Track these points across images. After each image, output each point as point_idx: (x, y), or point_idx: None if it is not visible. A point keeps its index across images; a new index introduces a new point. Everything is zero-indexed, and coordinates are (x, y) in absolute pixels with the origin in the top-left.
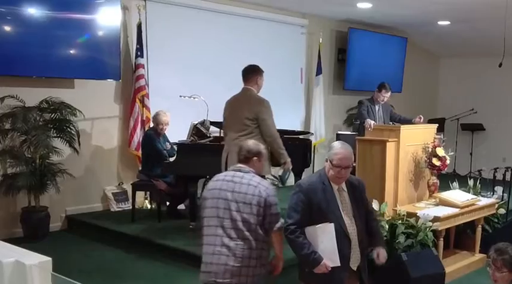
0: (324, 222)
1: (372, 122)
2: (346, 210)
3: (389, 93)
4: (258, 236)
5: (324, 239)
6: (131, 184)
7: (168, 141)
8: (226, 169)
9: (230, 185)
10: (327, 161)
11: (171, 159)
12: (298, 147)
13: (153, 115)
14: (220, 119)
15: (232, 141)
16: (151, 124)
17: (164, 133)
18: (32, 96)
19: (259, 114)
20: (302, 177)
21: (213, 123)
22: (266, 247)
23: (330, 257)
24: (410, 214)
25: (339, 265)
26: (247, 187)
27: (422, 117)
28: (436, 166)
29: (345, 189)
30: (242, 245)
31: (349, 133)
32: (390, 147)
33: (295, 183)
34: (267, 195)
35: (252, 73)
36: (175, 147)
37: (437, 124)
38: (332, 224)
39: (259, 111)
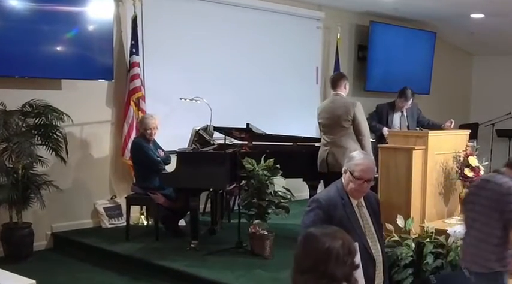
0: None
1: (386, 130)
2: (368, 227)
3: (409, 102)
4: None
5: None
6: (125, 197)
7: (161, 148)
8: (323, 168)
9: None
10: (345, 172)
11: (167, 168)
12: (313, 155)
13: (139, 120)
14: (225, 124)
15: (331, 142)
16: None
17: (154, 140)
18: (14, 98)
19: (356, 115)
20: (318, 190)
21: (217, 129)
22: None
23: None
24: (440, 232)
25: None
26: None
27: (453, 121)
28: (469, 177)
29: (364, 205)
30: None
31: (371, 140)
32: (417, 155)
33: (310, 196)
34: None
35: (340, 80)
36: (170, 155)
37: (469, 130)
38: (357, 244)
39: (355, 112)
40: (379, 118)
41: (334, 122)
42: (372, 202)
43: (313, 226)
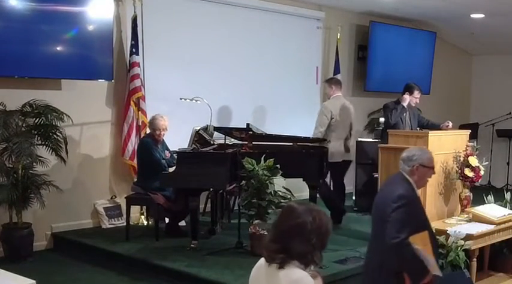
0: (422, 230)
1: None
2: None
3: (420, 95)
4: None
5: (422, 250)
6: (125, 197)
7: (168, 149)
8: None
9: None
10: (413, 167)
11: (171, 170)
12: (313, 156)
13: (149, 120)
14: (225, 124)
15: (346, 137)
16: (148, 131)
17: (163, 140)
18: (14, 98)
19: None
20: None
21: (217, 129)
22: None
23: (433, 267)
24: (440, 232)
25: (441, 274)
26: None
27: (450, 123)
28: (469, 177)
29: None
30: None
31: (371, 140)
32: None
33: (310, 196)
34: None
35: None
36: (175, 155)
37: (469, 131)
38: (426, 232)
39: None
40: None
41: (350, 120)
42: None
43: (406, 219)
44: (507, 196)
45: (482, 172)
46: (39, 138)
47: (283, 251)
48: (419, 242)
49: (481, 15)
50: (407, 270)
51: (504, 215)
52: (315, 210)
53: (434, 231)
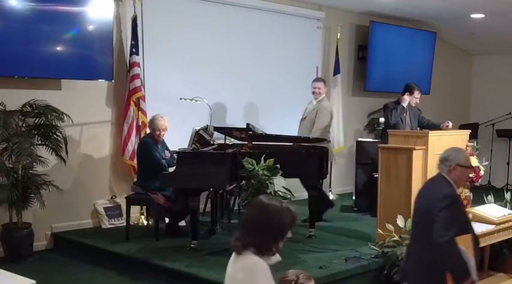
0: (466, 231)
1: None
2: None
3: (420, 95)
4: None
5: (466, 252)
6: (125, 197)
7: (168, 149)
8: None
9: None
10: (450, 167)
11: (171, 169)
12: (313, 156)
13: (149, 120)
14: (225, 124)
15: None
16: (148, 131)
17: (163, 140)
18: (14, 98)
19: None
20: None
21: (217, 129)
22: None
23: (473, 271)
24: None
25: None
26: None
27: (450, 123)
28: (469, 177)
29: None
30: None
31: (371, 140)
32: (417, 155)
33: (309, 197)
34: None
35: None
36: (175, 155)
37: (470, 130)
38: (469, 235)
39: None
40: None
41: None
42: None
43: (453, 218)
44: (507, 196)
45: (482, 172)
46: (39, 138)
47: (241, 240)
48: (463, 245)
49: (481, 15)
50: (452, 270)
51: (504, 215)
52: (272, 204)
53: (476, 235)
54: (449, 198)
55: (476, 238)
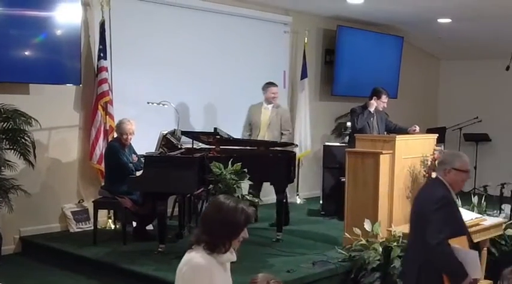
0: (461, 233)
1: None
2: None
3: (387, 99)
4: None
5: (463, 251)
6: (93, 201)
7: (135, 153)
8: None
9: None
10: (446, 170)
11: (138, 173)
12: (281, 160)
13: (116, 124)
14: (193, 128)
15: None
16: (115, 135)
17: (130, 144)
18: None
19: None
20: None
21: (184, 133)
22: None
23: (471, 271)
24: (407, 236)
25: (480, 276)
26: None
27: (417, 127)
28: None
29: None
30: None
31: (338, 144)
32: (384, 159)
33: (277, 201)
34: None
35: None
36: (142, 159)
37: (437, 134)
38: (465, 237)
39: None
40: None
41: None
42: None
43: (447, 220)
44: (474, 200)
45: None
46: (7, 142)
47: (195, 237)
48: (460, 246)
49: (448, 20)
50: (447, 271)
51: (472, 219)
52: (227, 202)
53: (471, 237)
54: (442, 199)
55: (472, 241)
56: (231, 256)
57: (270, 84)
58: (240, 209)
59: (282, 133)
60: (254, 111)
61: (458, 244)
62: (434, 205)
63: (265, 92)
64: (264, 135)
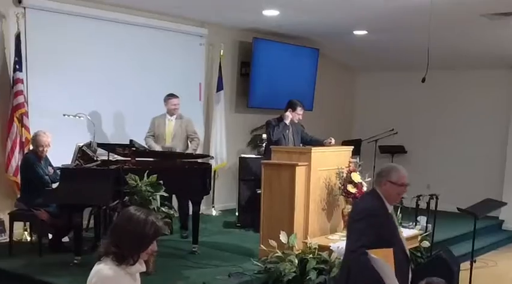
0: (388, 245)
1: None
2: (400, 231)
3: (303, 111)
4: None
5: (384, 264)
6: (8, 213)
7: (51, 165)
8: None
9: None
10: (381, 183)
11: (54, 186)
12: (196, 172)
13: (32, 136)
14: (109, 140)
15: None
16: (31, 147)
17: (46, 157)
18: None
19: None
20: (200, 207)
21: (100, 145)
22: None
23: (390, 282)
24: (323, 248)
25: None
26: None
27: (333, 140)
28: (352, 193)
29: (393, 211)
30: None
31: (254, 156)
32: (300, 171)
33: (193, 213)
34: None
35: None
36: (58, 171)
37: (352, 147)
38: (391, 250)
39: None
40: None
41: None
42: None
43: (365, 230)
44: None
45: (365, 188)
46: None
47: (104, 248)
48: (382, 258)
49: (364, 32)
50: (363, 280)
51: None
52: (137, 214)
53: (407, 252)
54: (365, 211)
55: (405, 255)
56: (140, 266)
57: (171, 95)
58: (150, 222)
59: (190, 141)
60: (158, 123)
61: (382, 255)
62: (357, 215)
63: (166, 104)
64: (169, 146)
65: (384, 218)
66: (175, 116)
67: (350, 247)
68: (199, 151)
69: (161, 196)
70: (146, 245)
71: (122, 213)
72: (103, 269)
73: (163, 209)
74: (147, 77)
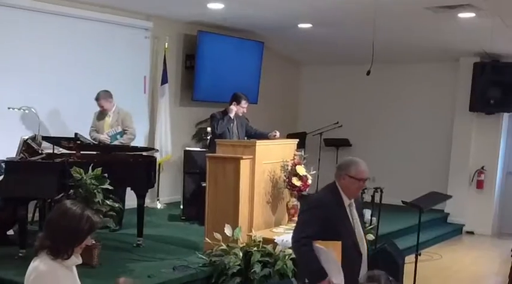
0: (336, 238)
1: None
2: (357, 225)
3: (247, 104)
4: None
5: (330, 256)
6: None
7: None
8: None
9: None
10: (341, 176)
11: None
12: (141, 165)
13: None
14: (55, 133)
15: None
16: None
17: None
18: None
19: None
20: (145, 200)
21: (45, 138)
22: None
23: (334, 275)
24: (267, 241)
25: (342, 283)
26: None
27: (278, 133)
28: (297, 186)
29: (354, 205)
30: None
31: (199, 149)
32: (244, 165)
33: (138, 206)
34: None
35: None
36: (3, 165)
37: (297, 140)
38: (339, 243)
39: None
40: (222, 123)
41: None
42: (357, 203)
43: (310, 221)
44: None
45: (310, 181)
46: None
47: (39, 242)
48: (328, 250)
49: (309, 25)
50: (304, 270)
51: None
52: (72, 208)
53: (361, 246)
54: (313, 202)
55: (357, 250)
56: (76, 259)
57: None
58: (85, 217)
59: (125, 132)
60: (98, 117)
61: (331, 247)
62: (305, 206)
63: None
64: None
65: (334, 211)
66: (113, 111)
67: (293, 237)
68: (144, 145)
69: (107, 189)
70: (81, 240)
71: (57, 207)
72: (39, 265)
73: (107, 202)
74: (92, 71)
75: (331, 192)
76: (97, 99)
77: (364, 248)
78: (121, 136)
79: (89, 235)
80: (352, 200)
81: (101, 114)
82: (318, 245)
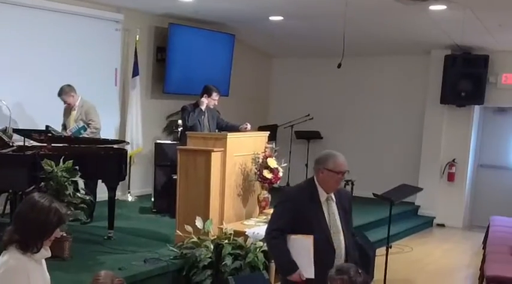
0: (308, 232)
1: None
2: (333, 220)
3: (218, 96)
4: None
5: (302, 249)
6: None
7: None
8: None
9: None
10: (319, 170)
11: None
12: (112, 157)
13: None
14: (26, 126)
15: None
16: None
17: None
18: None
19: None
20: (116, 192)
21: (16, 131)
22: None
23: (305, 268)
24: (238, 233)
25: (313, 277)
26: None
27: (249, 125)
28: (268, 179)
29: (334, 199)
30: None
31: (170, 142)
32: (215, 157)
33: (109, 198)
34: None
35: None
36: None
37: (268, 132)
38: (311, 237)
39: None
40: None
41: None
42: (343, 198)
43: (281, 214)
44: None
45: (281, 174)
46: None
47: (7, 236)
48: (304, 244)
49: (280, 18)
50: (275, 263)
51: None
52: (40, 201)
53: (331, 240)
54: (285, 195)
55: (330, 244)
56: (45, 252)
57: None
58: (53, 209)
59: (88, 125)
60: (65, 112)
61: (305, 242)
62: (278, 199)
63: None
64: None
65: (305, 204)
66: (77, 104)
67: (266, 229)
68: (115, 137)
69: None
70: (50, 233)
71: (25, 200)
72: (8, 260)
73: (78, 194)
74: (63, 63)
75: (306, 186)
76: (59, 94)
77: (340, 245)
78: (84, 131)
79: (57, 228)
80: (332, 194)
81: (67, 109)
82: (293, 237)
